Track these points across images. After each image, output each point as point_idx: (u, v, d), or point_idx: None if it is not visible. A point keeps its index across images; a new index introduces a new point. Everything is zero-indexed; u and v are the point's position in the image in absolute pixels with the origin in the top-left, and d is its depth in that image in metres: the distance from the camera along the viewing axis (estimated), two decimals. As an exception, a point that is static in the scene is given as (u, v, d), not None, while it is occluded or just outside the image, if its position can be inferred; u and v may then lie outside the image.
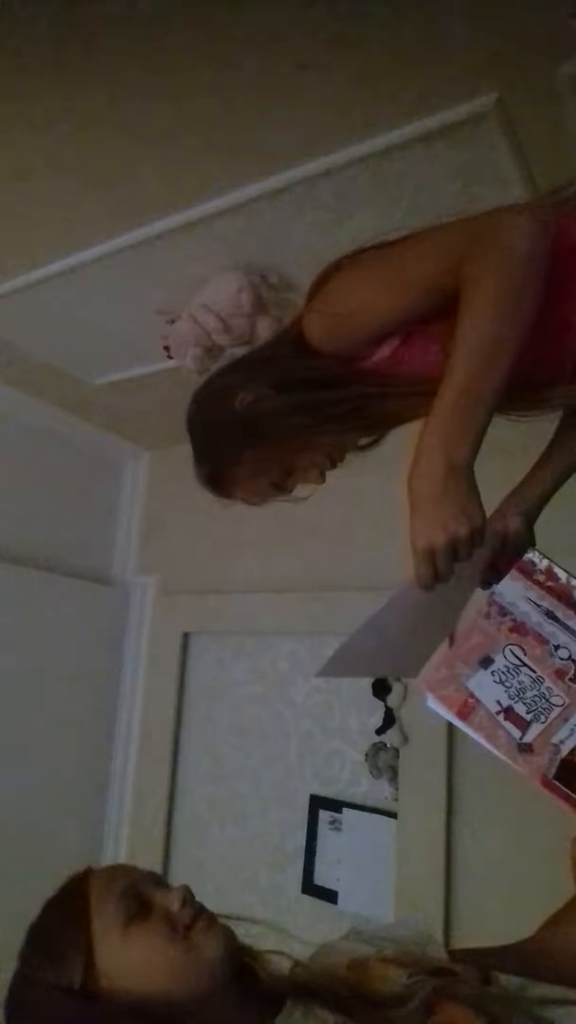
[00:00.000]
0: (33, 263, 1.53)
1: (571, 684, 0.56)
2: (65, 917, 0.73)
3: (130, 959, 0.69)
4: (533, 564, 0.65)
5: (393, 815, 1.84)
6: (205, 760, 2.28)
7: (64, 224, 1.40)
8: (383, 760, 1.89)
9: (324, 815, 1.99)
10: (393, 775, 1.88)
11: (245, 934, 0.78)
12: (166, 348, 1.60)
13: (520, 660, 0.57)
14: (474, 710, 0.55)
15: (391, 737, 1.91)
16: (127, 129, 1.17)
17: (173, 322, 1.57)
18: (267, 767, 2.15)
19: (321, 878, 1.96)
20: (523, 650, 0.58)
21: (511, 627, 0.60)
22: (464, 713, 0.55)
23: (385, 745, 1.91)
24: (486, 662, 0.57)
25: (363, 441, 1.03)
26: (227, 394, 0.95)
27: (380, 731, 1.92)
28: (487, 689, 0.56)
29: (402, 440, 1.09)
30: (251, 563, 2.28)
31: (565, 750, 0.52)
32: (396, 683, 1.91)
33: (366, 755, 1.93)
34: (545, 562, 0.65)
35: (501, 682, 0.56)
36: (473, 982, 0.70)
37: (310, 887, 1.96)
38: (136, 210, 1.36)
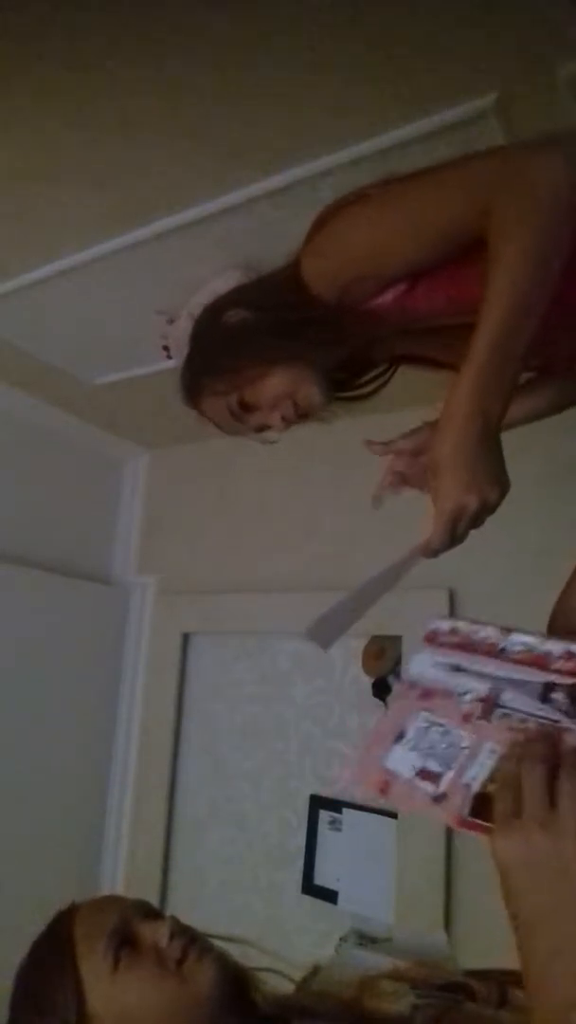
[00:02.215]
0: (33, 263, 1.53)
1: (477, 722, 0.56)
2: (53, 962, 0.72)
3: (123, 1000, 0.68)
4: (438, 630, 0.66)
5: (393, 815, 1.84)
6: (205, 760, 2.28)
7: (64, 224, 1.40)
8: (383, 760, 1.89)
9: (324, 815, 1.99)
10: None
11: (242, 955, 0.77)
12: (166, 348, 1.60)
13: (429, 721, 0.58)
14: (392, 783, 0.56)
15: (391, 737, 1.90)
16: (127, 129, 1.17)
17: (173, 322, 1.57)
18: (267, 767, 2.15)
19: (321, 878, 1.96)
20: (431, 711, 0.58)
21: (419, 695, 0.61)
22: (384, 789, 0.55)
23: (385, 745, 1.91)
24: (399, 737, 0.58)
25: (345, 394, 1.00)
26: (222, 308, 0.95)
27: (380, 731, 1.92)
28: (401, 760, 0.57)
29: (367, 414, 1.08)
30: (251, 563, 2.27)
31: (476, 786, 0.52)
32: (396, 683, 1.91)
33: (366, 755, 1.93)
34: (447, 624, 0.66)
35: (414, 748, 0.57)
36: (490, 999, 0.69)
37: (310, 887, 1.96)
38: (136, 210, 1.36)
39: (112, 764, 2.36)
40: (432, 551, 0.74)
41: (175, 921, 0.73)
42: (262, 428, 0.98)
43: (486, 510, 0.72)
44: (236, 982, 0.73)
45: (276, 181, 1.26)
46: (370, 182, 0.87)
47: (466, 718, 0.56)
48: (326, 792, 2.02)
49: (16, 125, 1.17)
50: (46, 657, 2.17)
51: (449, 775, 0.54)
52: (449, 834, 1.71)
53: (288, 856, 2.04)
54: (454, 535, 0.73)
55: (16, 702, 2.05)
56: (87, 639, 2.34)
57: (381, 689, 1.93)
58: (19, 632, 2.09)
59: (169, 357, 1.62)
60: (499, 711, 0.56)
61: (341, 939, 1.82)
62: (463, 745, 0.54)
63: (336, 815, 1.97)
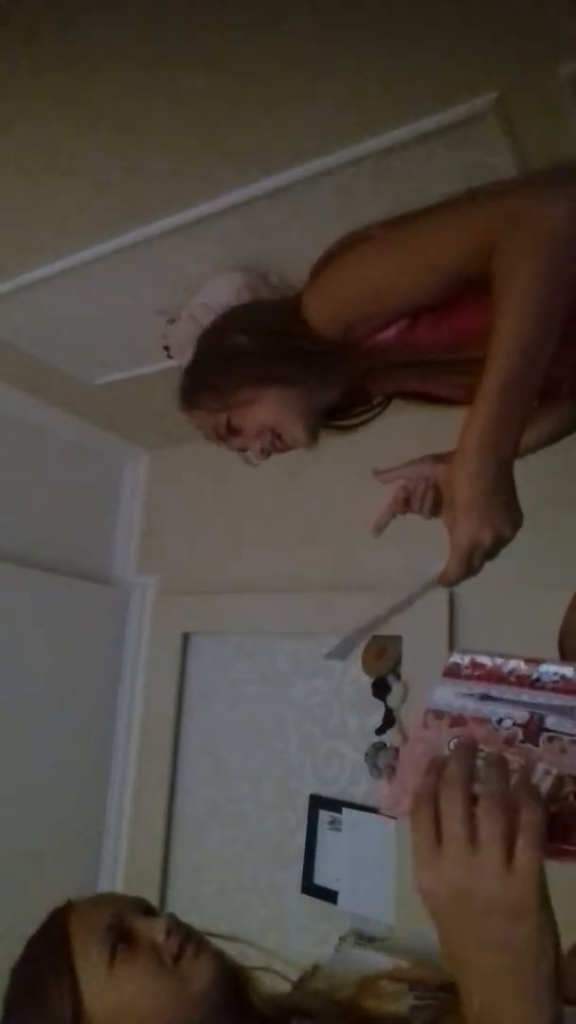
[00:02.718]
0: (33, 263, 1.53)
1: (522, 746, 0.56)
2: (48, 959, 0.71)
3: (119, 996, 0.68)
4: (458, 665, 0.66)
5: (393, 815, 1.84)
6: (205, 760, 2.28)
7: (64, 224, 1.40)
8: (383, 760, 1.89)
9: (324, 815, 1.99)
10: (393, 775, 1.88)
11: (240, 954, 0.76)
12: (166, 348, 1.60)
13: (462, 741, 0.58)
14: None
15: (391, 737, 1.91)
16: (127, 129, 1.17)
17: (173, 322, 1.57)
18: (267, 767, 2.15)
19: (321, 878, 1.96)
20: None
21: (451, 723, 0.61)
22: None
23: (385, 745, 1.91)
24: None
25: (337, 423, 1.02)
26: (228, 329, 0.97)
27: (380, 731, 1.92)
28: None
29: (403, 440, 1.10)
30: (251, 563, 2.27)
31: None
32: (396, 683, 1.91)
33: (366, 755, 1.93)
34: (468, 657, 0.66)
35: None
36: None
37: (310, 887, 1.96)
38: (136, 210, 1.36)
39: (112, 764, 2.36)
40: (448, 582, 0.76)
41: (171, 918, 0.73)
42: (244, 450, 1.00)
43: (500, 544, 0.73)
44: (233, 980, 0.72)
45: (276, 181, 1.26)
46: (374, 222, 0.89)
47: (509, 743, 0.57)
48: (326, 792, 2.02)
49: (16, 125, 1.17)
50: (46, 657, 2.17)
51: (443, 790, 0.53)
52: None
53: (288, 856, 2.04)
54: (470, 567, 0.74)
55: (16, 702, 2.05)
56: (87, 639, 2.34)
57: (381, 689, 1.93)
58: (19, 632, 2.09)
59: (169, 357, 1.62)
60: (545, 735, 0.56)
61: (341, 939, 1.82)
62: (512, 768, 0.54)
63: (336, 815, 1.97)
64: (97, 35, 1.01)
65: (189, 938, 0.71)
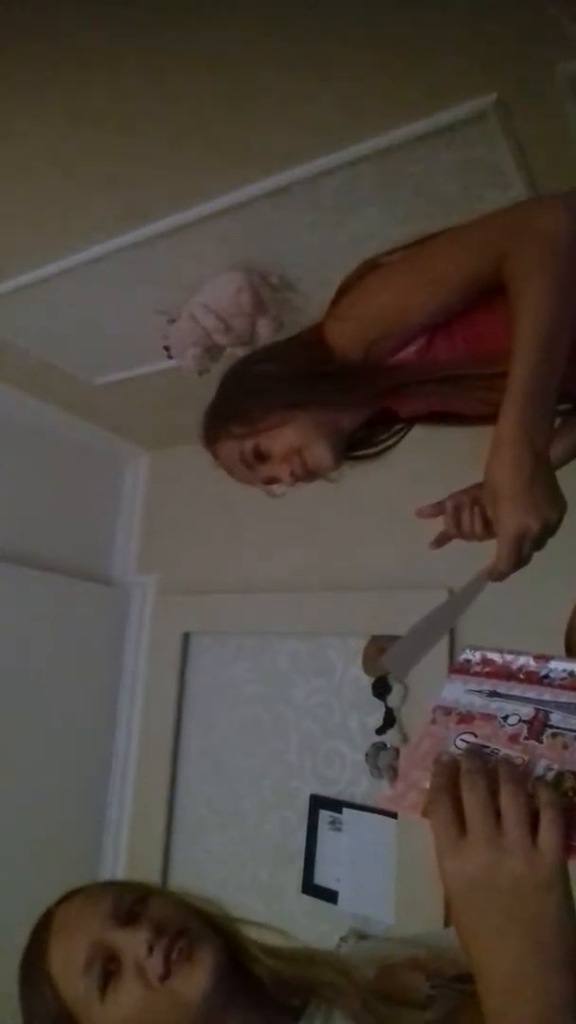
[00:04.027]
0: (33, 263, 1.53)
1: (526, 742, 0.57)
2: (40, 1001, 0.70)
3: (116, 1021, 0.67)
4: (468, 661, 0.67)
5: (393, 815, 1.84)
6: (205, 760, 2.28)
7: (64, 224, 1.40)
8: (383, 760, 1.90)
9: (324, 815, 1.99)
10: (394, 775, 1.88)
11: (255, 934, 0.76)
12: (166, 348, 1.60)
13: (472, 743, 0.58)
14: None
15: (391, 737, 1.91)
16: (127, 129, 1.17)
17: (173, 322, 1.57)
18: (267, 767, 2.15)
19: (321, 878, 1.96)
20: (473, 734, 0.59)
21: (457, 720, 0.61)
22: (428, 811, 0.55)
23: (385, 745, 1.91)
24: (439, 759, 0.58)
25: (360, 452, 1.04)
26: (253, 362, 1.00)
27: (380, 731, 1.92)
28: None
29: (404, 442, 1.10)
30: (251, 563, 2.28)
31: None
32: (396, 683, 1.91)
33: (366, 755, 1.93)
34: (479, 654, 0.67)
35: None
36: None
37: (310, 887, 1.96)
38: (136, 210, 1.36)
39: (112, 764, 2.36)
40: (500, 574, 0.77)
41: (153, 929, 0.68)
42: (270, 480, 1.00)
43: (548, 531, 0.75)
44: (234, 969, 0.70)
45: (276, 181, 1.26)
46: (390, 250, 0.93)
47: (513, 739, 0.57)
48: (327, 792, 2.02)
49: (17, 125, 1.17)
50: (46, 657, 2.17)
51: (463, 782, 0.54)
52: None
53: (288, 856, 2.04)
54: (520, 557, 0.76)
55: (16, 702, 2.05)
56: (87, 639, 2.34)
57: (381, 689, 1.93)
58: (19, 632, 2.09)
59: (170, 357, 1.62)
60: (549, 731, 0.57)
61: (341, 939, 1.82)
62: (515, 764, 0.54)
63: (336, 815, 1.97)
64: (97, 35, 1.01)
65: (176, 944, 0.67)
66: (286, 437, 0.95)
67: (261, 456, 0.97)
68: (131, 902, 0.72)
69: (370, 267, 0.93)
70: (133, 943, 0.68)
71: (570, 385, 0.81)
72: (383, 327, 0.89)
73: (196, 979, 0.66)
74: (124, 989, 0.66)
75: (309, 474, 0.98)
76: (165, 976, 0.66)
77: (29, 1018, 0.72)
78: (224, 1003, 0.68)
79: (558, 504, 0.75)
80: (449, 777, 0.51)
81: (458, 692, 0.64)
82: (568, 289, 0.76)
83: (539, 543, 0.76)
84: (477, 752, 0.54)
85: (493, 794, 0.49)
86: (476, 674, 0.65)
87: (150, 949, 0.66)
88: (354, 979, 0.72)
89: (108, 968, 0.67)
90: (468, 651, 0.68)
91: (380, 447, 1.07)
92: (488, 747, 0.56)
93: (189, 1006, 0.66)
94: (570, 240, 0.76)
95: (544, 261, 0.77)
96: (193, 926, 0.70)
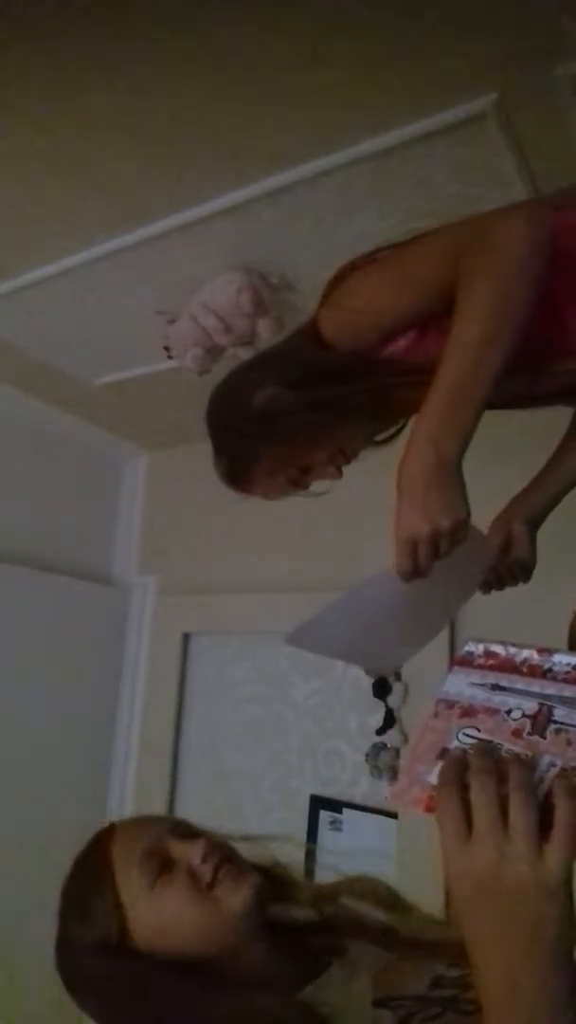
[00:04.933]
0: (33, 263, 1.53)
1: (529, 738, 0.56)
2: (93, 881, 0.76)
3: (160, 916, 0.72)
4: (471, 654, 0.67)
5: (393, 815, 1.84)
6: (205, 760, 2.28)
7: (64, 224, 1.40)
8: (383, 760, 1.89)
9: (324, 815, 1.99)
10: (393, 775, 1.88)
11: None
12: (166, 348, 1.60)
13: (475, 737, 0.58)
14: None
15: (391, 737, 1.91)
16: (127, 129, 1.17)
17: (173, 322, 1.57)
18: (267, 767, 2.15)
19: (321, 878, 1.95)
20: (476, 728, 0.59)
21: (460, 713, 0.61)
22: (432, 806, 0.55)
23: (385, 745, 1.91)
24: (442, 753, 0.58)
25: (380, 436, 1.04)
26: (245, 391, 0.95)
27: (380, 731, 1.92)
28: None
29: (401, 443, 1.10)
30: (251, 563, 2.27)
31: (541, 799, 0.52)
32: (396, 683, 1.91)
33: (366, 755, 1.93)
34: (481, 646, 0.67)
35: None
36: None
37: (310, 887, 1.96)
38: (136, 210, 1.36)
39: (112, 764, 2.36)
40: (401, 574, 0.78)
41: (208, 842, 0.76)
42: (310, 482, 1.01)
43: (439, 536, 0.75)
44: (274, 899, 0.76)
45: (276, 181, 1.26)
46: (380, 247, 0.93)
47: (516, 734, 0.57)
48: (327, 792, 2.02)
49: (16, 126, 1.17)
50: (46, 657, 2.17)
51: (504, 789, 0.53)
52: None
53: (288, 856, 2.04)
54: (416, 561, 0.76)
55: (16, 702, 2.05)
56: (87, 639, 2.34)
57: (381, 689, 1.93)
58: (19, 632, 2.09)
59: (170, 357, 1.62)
60: (553, 726, 0.56)
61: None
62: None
63: (336, 815, 1.97)
64: (97, 36, 1.01)
65: (225, 863, 0.74)
66: (323, 448, 0.96)
67: (304, 470, 0.98)
68: (189, 826, 0.80)
69: (363, 261, 0.93)
70: (189, 851, 0.74)
71: (501, 396, 0.80)
72: (371, 319, 0.89)
73: (240, 893, 0.72)
74: (173, 887, 0.72)
75: (351, 461, 1.00)
76: (212, 884, 0.72)
77: (78, 903, 0.76)
78: (257, 930, 0.73)
79: (452, 511, 0.75)
80: (457, 773, 0.51)
81: (461, 685, 0.63)
82: (512, 303, 0.75)
83: (439, 549, 0.76)
84: (487, 750, 0.54)
85: (504, 797, 0.49)
86: (479, 667, 0.65)
87: (204, 858, 0.73)
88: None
89: (163, 867, 0.73)
90: (471, 643, 0.67)
91: (396, 429, 1.07)
92: (495, 742, 0.56)
93: (228, 918, 0.71)
94: (521, 255, 0.75)
95: (488, 271, 0.75)
96: (241, 858, 0.78)
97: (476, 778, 0.50)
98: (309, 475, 0.99)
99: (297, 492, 1.02)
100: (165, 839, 0.76)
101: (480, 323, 0.75)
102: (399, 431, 1.05)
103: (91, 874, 0.77)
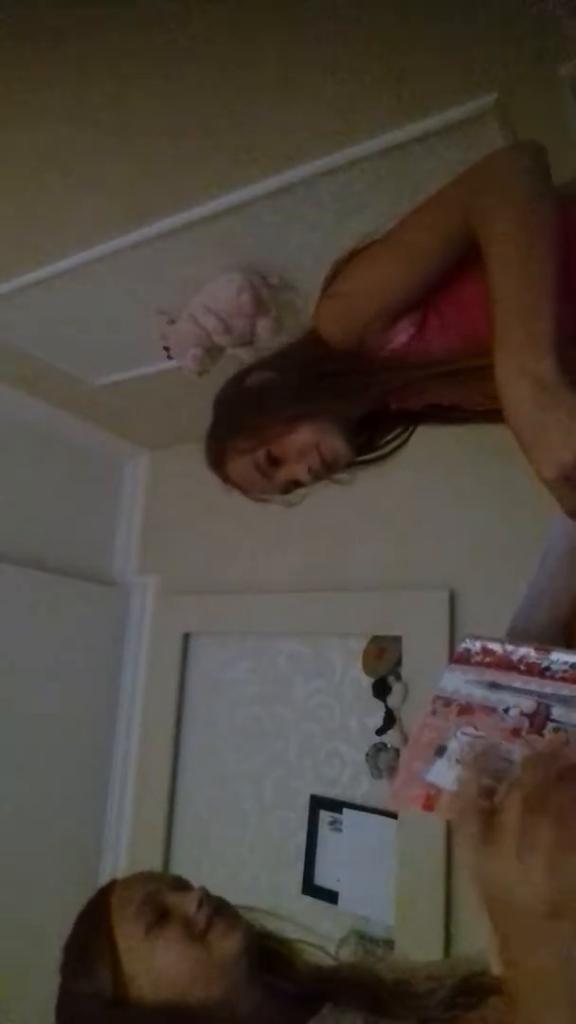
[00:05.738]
0: (33, 263, 1.53)
1: (528, 736, 0.56)
2: (91, 930, 0.79)
3: (154, 965, 0.74)
4: (468, 651, 0.66)
5: (393, 815, 1.84)
6: (205, 760, 2.28)
7: (65, 224, 1.40)
8: (383, 760, 1.89)
9: (324, 815, 1.99)
10: (393, 776, 1.88)
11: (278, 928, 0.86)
12: (166, 348, 1.60)
13: (473, 736, 0.57)
14: (438, 797, 0.55)
15: (391, 737, 1.91)
16: (127, 129, 1.17)
17: (173, 322, 1.57)
18: (267, 767, 2.15)
19: (321, 878, 1.96)
20: (474, 727, 0.58)
21: (458, 711, 0.60)
22: (430, 804, 0.55)
23: (385, 745, 1.91)
24: (440, 751, 0.57)
25: (367, 456, 1.03)
26: (241, 375, 0.98)
27: (380, 731, 1.92)
28: (446, 774, 0.56)
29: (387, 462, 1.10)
30: (251, 563, 2.28)
31: None
32: (396, 683, 1.91)
33: (366, 755, 1.93)
34: (478, 644, 0.66)
35: (459, 762, 0.56)
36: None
37: (310, 887, 1.96)
38: (136, 210, 1.36)
39: (112, 764, 2.36)
40: (572, 515, 0.73)
41: (204, 892, 0.79)
42: (288, 485, 0.99)
43: None
44: (265, 952, 0.79)
45: (276, 181, 1.26)
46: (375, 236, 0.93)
47: (515, 733, 0.56)
48: (327, 793, 2.02)
49: (16, 126, 1.17)
50: (46, 657, 2.17)
51: (503, 788, 0.53)
52: (449, 834, 1.71)
53: (288, 856, 2.04)
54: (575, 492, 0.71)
55: (16, 702, 2.05)
56: (87, 639, 2.34)
57: (381, 689, 1.93)
58: (19, 632, 2.09)
59: (170, 357, 1.62)
60: (551, 725, 0.56)
61: (341, 940, 1.82)
62: (514, 758, 0.53)
63: (336, 815, 1.97)
64: (97, 35, 1.01)
65: (219, 912, 0.77)
66: (297, 438, 0.94)
67: (276, 461, 0.95)
68: (185, 881, 0.85)
69: (357, 250, 0.92)
70: (185, 901, 0.78)
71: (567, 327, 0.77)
72: (370, 304, 0.87)
73: (232, 939, 0.75)
74: (168, 934, 0.75)
75: (327, 468, 0.97)
76: (206, 931, 0.75)
77: (78, 955, 0.79)
78: (250, 977, 0.75)
79: None
80: (487, 783, 0.50)
81: (458, 682, 0.63)
82: (537, 218, 0.74)
83: None
84: (540, 761, 0.51)
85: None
86: (476, 664, 0.64)
87: (199, 905, 0.77)
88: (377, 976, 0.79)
89: (159, 916, 0.77)
90: (468, 640, 0.67)
91: (387, 449, 1.06)
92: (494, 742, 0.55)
93: (220, 962, 0.74)
94: (528, 166, 0.76)
95: (506, 198, 0.75)
96: (233, 909, 0.81)
97: (511, 793, 0.49)
98: (280, 468, 0.96)
99: (265, 487, 0.99)
100: (162, 890, 0.80)
101: (514, 241, 0.73)
102: (386, 456, 1.04)
103: (90, 927, 0.80)
